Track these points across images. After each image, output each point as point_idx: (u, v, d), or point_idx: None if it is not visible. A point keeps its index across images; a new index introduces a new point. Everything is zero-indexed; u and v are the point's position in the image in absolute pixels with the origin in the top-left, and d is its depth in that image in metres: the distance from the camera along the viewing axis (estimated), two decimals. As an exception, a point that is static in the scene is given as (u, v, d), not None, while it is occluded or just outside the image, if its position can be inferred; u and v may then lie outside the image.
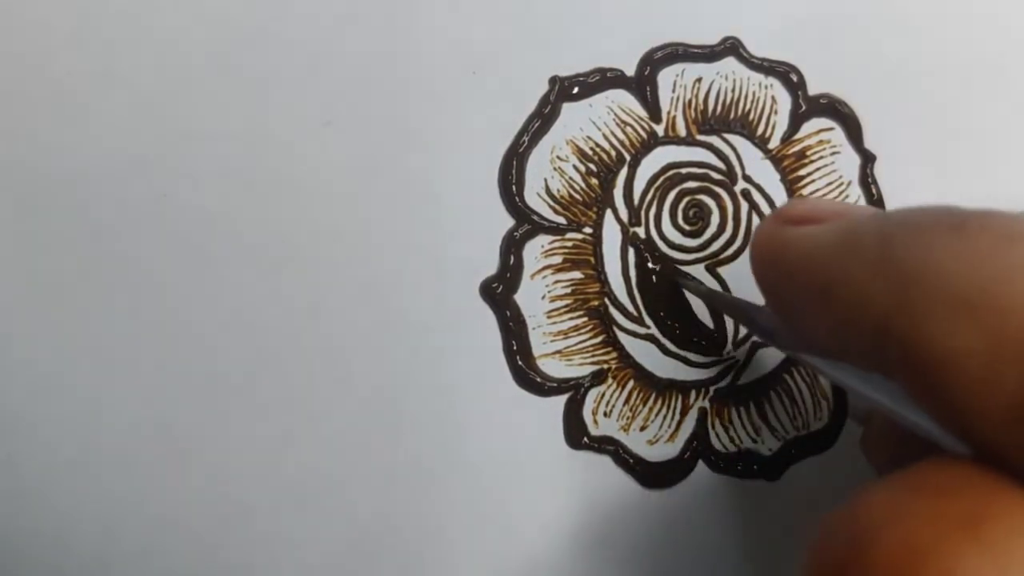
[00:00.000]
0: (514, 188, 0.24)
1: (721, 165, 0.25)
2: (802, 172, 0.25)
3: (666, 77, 0.25)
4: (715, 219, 0.24)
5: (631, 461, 0.23)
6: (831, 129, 0.25)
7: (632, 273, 0.24)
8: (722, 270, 0.24)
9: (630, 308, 0.24)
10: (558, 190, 0.24)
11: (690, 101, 0.25)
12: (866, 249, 0.14)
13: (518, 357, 0.23)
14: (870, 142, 0.25)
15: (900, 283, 0.13)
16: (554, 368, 0.24)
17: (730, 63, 0.25)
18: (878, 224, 0.14)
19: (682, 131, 0.25)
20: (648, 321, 0.24)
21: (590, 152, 0.24)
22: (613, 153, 0.24)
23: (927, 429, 0.13)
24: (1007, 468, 0.11)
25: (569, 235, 0.24)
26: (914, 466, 0.12)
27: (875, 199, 0.25)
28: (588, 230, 0.24)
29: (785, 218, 0.16)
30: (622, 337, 0.24)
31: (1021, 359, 0.11)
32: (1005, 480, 0.11)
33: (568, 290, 0.24)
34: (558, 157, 0.24)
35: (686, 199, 0.24)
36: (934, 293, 0.12)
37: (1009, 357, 0.11)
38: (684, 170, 0.24)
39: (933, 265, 0.12)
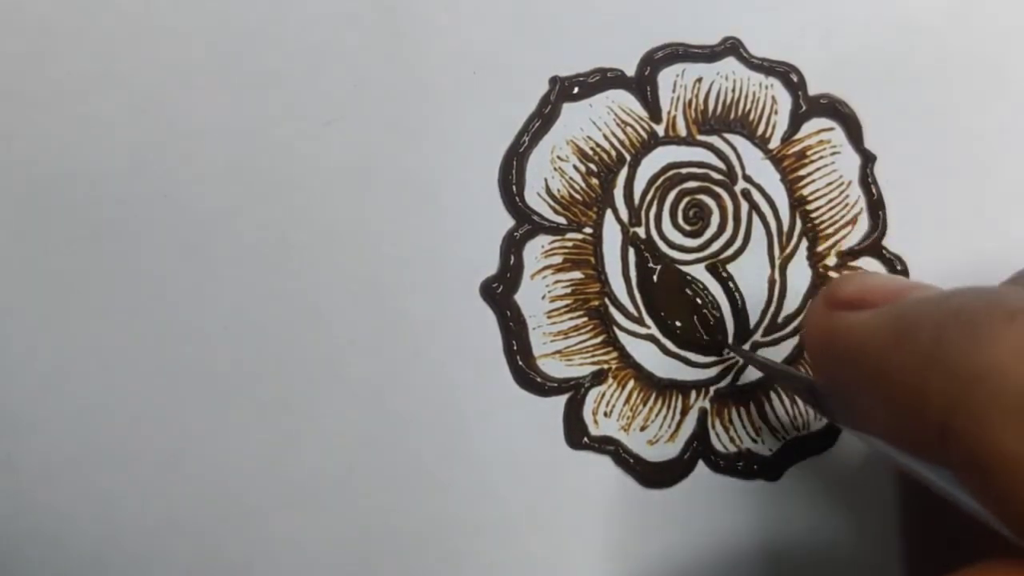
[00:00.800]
0: (514, 188, 0.24)
1: (721, 165, 0.25)
2: (802, 172, 0.25)
3: (666, 77, 0.25)
4: (715, 219, 0.24)
5: (631, 461, 0.23)
6: (831, 129, 0.25)
7: (632, 273, 0.24)
8: (722, 269, 0.24)
9: (630, 308, 0.24)
10: (558, 190, 0.24)
11: (690, 101, 0.25)
12: (920, 343, 0.13)
13: (518, 357, 0.23)
14: (870, 142, 0.25)
15: (958, 382, 0.12)
16: (554, 368, 0.24)
17: (730, 63, 0.25)
18: (930, 314, 0.14)
19: (682, 131, 0.25)
20: (648, 321, 0.24)
21: (590, 152, 0.24)
22: (613, 153, 0.24)
23: (991, 520, 0.13)
24: None
25: (569, 235, 0.24)
26: (983, 565, 0.13)
27: (875, 199, 0.25)
28: (588, 230, 0.24)
29: (834, 302, 0.16)
30: (622, 337, 0.24)
31: None
32: None
33: (568, 290, 0.24)
34: (558, 157, 0.24)
35: (686, 199, 0.24)
36: (994, 394, 0.12)
37: None
38: (684, 170, 0.24)
39: (990, 364, 0.12)
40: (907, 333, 0.14)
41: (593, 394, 0.24)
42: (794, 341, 0.24)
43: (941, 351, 0.13)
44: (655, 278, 0.24)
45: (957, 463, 0.13)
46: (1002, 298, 0.13)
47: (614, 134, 0.24)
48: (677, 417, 0.24)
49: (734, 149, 0.25)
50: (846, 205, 0.25)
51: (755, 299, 0.24)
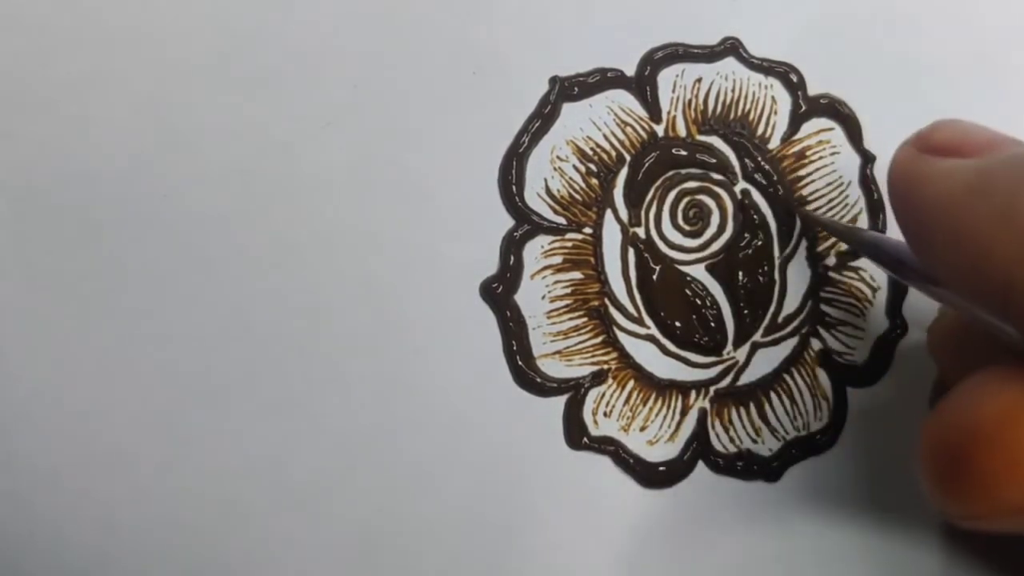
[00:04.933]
0: (514, 188, 0.24)
1: (721, 165, 0.25)
2: (802, 172, 0.25)
3: (666, 77, 0.25)
4: (715, 219, 0.24)
5: (631, 461, 0.24)
6: (831, 129, 0.25)
7: (632, 273, 0.24)
8: (722, 270, 0.24)
9: (630, 308, 0.24)
10: (558, 190, 0.24)
11: (690, 101, 0.25)
12: (995, 200, 0.13)
13: (518, 357, 0.23)
14: (870, 142, 0.25)
15: None
16: (554, 368, 0.24)
17: (730, 63, 0.25)
18: (1012, 171, 0.14)
19: (682, 131, 0.25)
20: (648, 321, 0.24)
21: (590, 152, 0.24)
22: (613, 153, 0.24)
23: None
24: None
25: (569, 235, 0.24)
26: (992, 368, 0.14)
27: (875, 199, 0.25)
28: (588, 230, 0.24)
29: (925, 145, 0.16)
30: (622, 337, 0.24)
31: None
32: None
33: (568, 290, 0.24)
34: (558, 157, 0.24)
35: (686, 199, 0.24)
36: None
37: None
38: (684, 170, 0.24)
39: None
40: (985, 188, 0.14)
41: (593, 394, 0.24)
42: (794, 341, 0.24)
43: (1013, 210, 0.13)
44: (655, 278, 0.24)
45: (1016, 317, 0.13)
46: None
47: (614, 134, 0.24)
48: (677, 417, 0.24)
49: (734, 149, 0.25)
50: (846, 205, 0.25)
51: (755, 299, 0.24)
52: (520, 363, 0.23)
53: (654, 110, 0.25)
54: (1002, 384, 0.14)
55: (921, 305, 0.24)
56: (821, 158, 0.25)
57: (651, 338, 0.24)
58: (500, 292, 0.24)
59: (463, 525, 0.23)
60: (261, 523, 0.23)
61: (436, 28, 0.24)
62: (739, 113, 0.25)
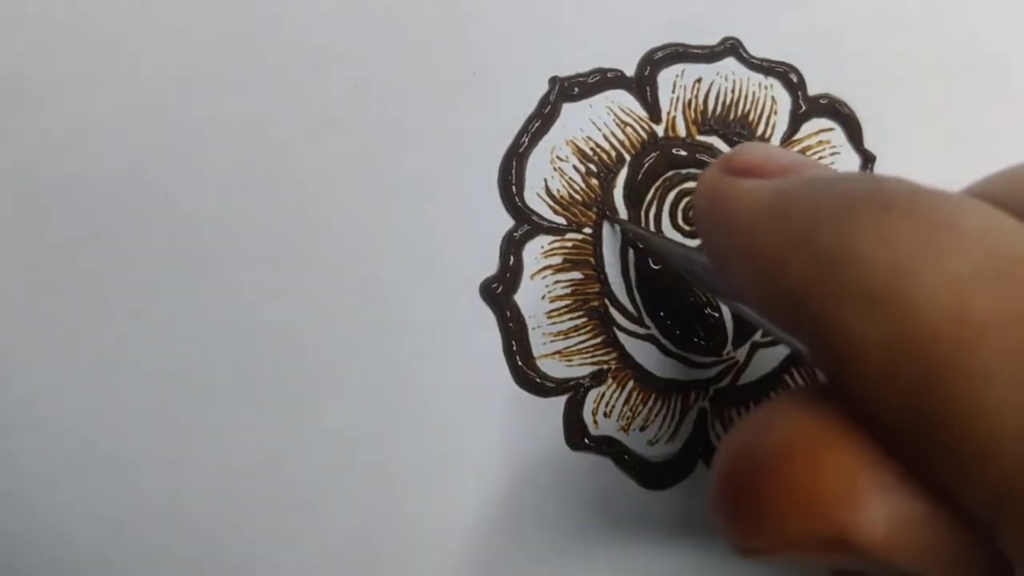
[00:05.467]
0: (514, 188, 0.24)
1: (721, 165, 0.25)
2: (802, 172, 0.25)
3: (666, 77, 0.25)
4: (715, 219, 0.24)
5: (631, 461, 0.24)
6: (831, 129, 0.25)
7: (632, 273, 0.24)
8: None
9: (630, 308, 0.24)
10: (558, 190, 0.24)
11: (690, 101, 0.25)
12: (792, 220, 0.13)
13: (518, 357, 0.23)
14: (870, 142, 0.25)
15: (818, 264, 0.13)
16: (554, 368, 0.24)
17: (730, 63, 0.25)
18: (811, 193, 0.14)
19: (682, 131, 0.25)
20: (648, 321, 0.24)
21: (590, 152, 0.24)
22: (613, 153, 0.24)
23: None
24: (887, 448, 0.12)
25: (569, 235, 0.24)
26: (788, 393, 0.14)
27: (875, 199, 0.25)
28: (588, 230, 0.24)
29: (730, 167, 0.16)
30: (622, 337, 0.24)
31: (915, 355, 0.11)
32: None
33: (568, 290, 0.24)
34: (558, 157, 0.24)
35: (686, 199, 0.24)
36: (848, 281, 0.12)
37: (911, 350, 0.11)
38: (684, 170, 0.24)
39: (851, 250, 0.12)
40: (785, 208, 0.14)
41: (593, 394, 0.24)
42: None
43: (811, 230, 0.13)
44: (655, 278, 0.24)
45: (808, 340, 0.13)
46: (883, 189, 0.13)
47: (614, 134, 0.24)
48: (677, 417, 0.24)
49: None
50: (846, 205, 0.25)
51: (755, 299, 0.24)
52: (520, 363, 0.23)
53: (654, 110, 0.25)
54: (790, 410, 0.13)
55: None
56: (821, 158, 0.25)
57: (651, 338, 0.24)
58: (500, 292, 0.24)
59: (463, 525, 0.23)
60: (261, 523, 0.23)
61: (436, 28, 0.24)
62: (739, 113, 0.25)
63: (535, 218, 0.24)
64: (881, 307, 0.11)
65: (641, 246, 0.24)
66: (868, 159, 0.25)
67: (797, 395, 0.14)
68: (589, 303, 0.24)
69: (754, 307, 0.15)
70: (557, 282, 0.24)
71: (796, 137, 0.25)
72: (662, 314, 0.24)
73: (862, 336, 0.12)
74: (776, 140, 0.25)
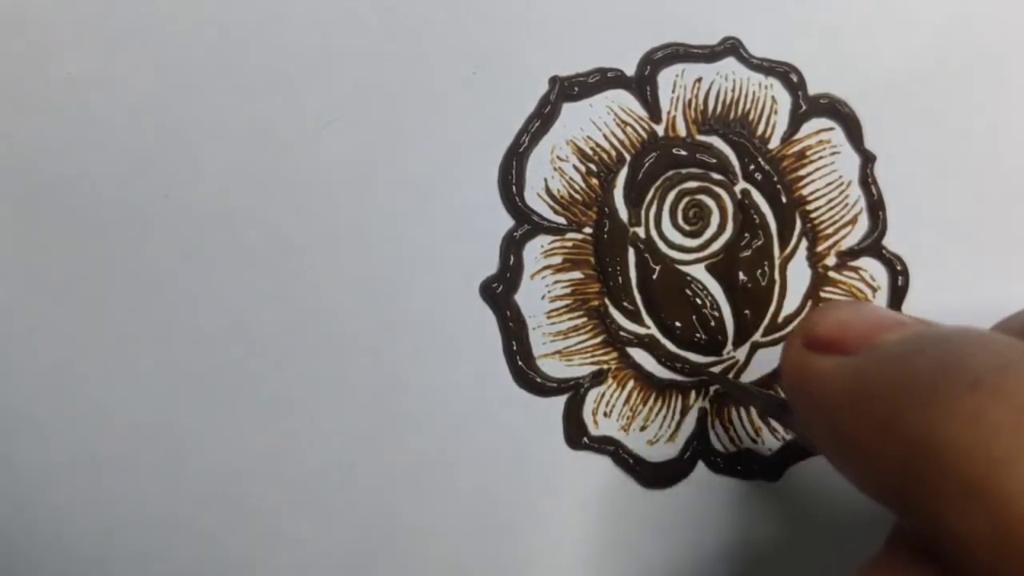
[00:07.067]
0: (514, 188, 0.24)
1: (721, 165, 0.25)
2: (802, 172, 0.25)
3: (666, 77, 0.25)
4: (715, 219, 0.24)
5: (631, 461, 0.23)
6: (831, 129, 0.25)
7: (632, 273, 0.24)
8: (721, 271, 0.24)
9: (630, 308, 0.24)
10: (558, 190, 0.24)
11: (690, 101, 0.25)
12: (877, 409, 0.13)
13: (518, 357, 0.23)
14: (870, 142, 0.25)
15: (909, 454, 0.12)
16: (554, 368, 0.24)
17: (730, 63, 0.25)
18: (890, 376, 0.13)
19: (682, 131, 0.25)
20: (648, 321, 0.24)
21: (590, 152, 0.24)
22: (613, 153, 0.24)
23: None
24: None
25: (569, 235, 0.24)
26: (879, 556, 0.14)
27: (875, 199, 0.25)
28: (588, 230, 0.24)
29: (810, 339, 0.16)
30: (622, 337, 0.24)
31: (1018, 551, 0.11)
32: None
33: (568, 290, 0.24)
34: (558, 157, 0.24)
35: (686, 199, 0.24)
36: (943, 472, 0.12)
37: (1011, 548, 0.11)
38: (684, 170, 0.24)
39: (945, 437, 0.12)
40: (866, 396, 0.13)
41: (593, 394, 0.24)
42: (794, 341, 0.24)
43: (899, 419, 0.12)
44: (655, 278, 0.24)
45: (914, 525, 0.13)
46: (965, 362, 0.12)
47: (614, 134, 0.24)
48: (677, 417, 0.24)
49: (734, 149, 0.25)
50: (846, 205, 0.25)
51: (755, 299, 0.24)
52: (520, 363, 0.23)
53: (654, 110, 0.25)
54: None
55: (921, 306, 0.24)
56: (821, 158, 0.25)
57: (651, 338, 0.24)
58: (500, 292, 0.24)
59: (463, 525, 0.23)
60: (261, 523, 0.23)
61: (436, 28, 0.24)
62: (739, 113, 0.25)
63: (535, 218, 0.24)
64: (979, 501, 0.11)
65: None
66: (868, 159, 0.25)
67: (898, 564, 0.13)
68: (589, 303, 0.24)
69: (854, 485, 0.15)
70: (557, 282, 0.24)
71: (796, 137, 0.25)
72: (662, 314, 0.24)
73: (965, 531, 0.11)
74: (776, 140, 0.25)
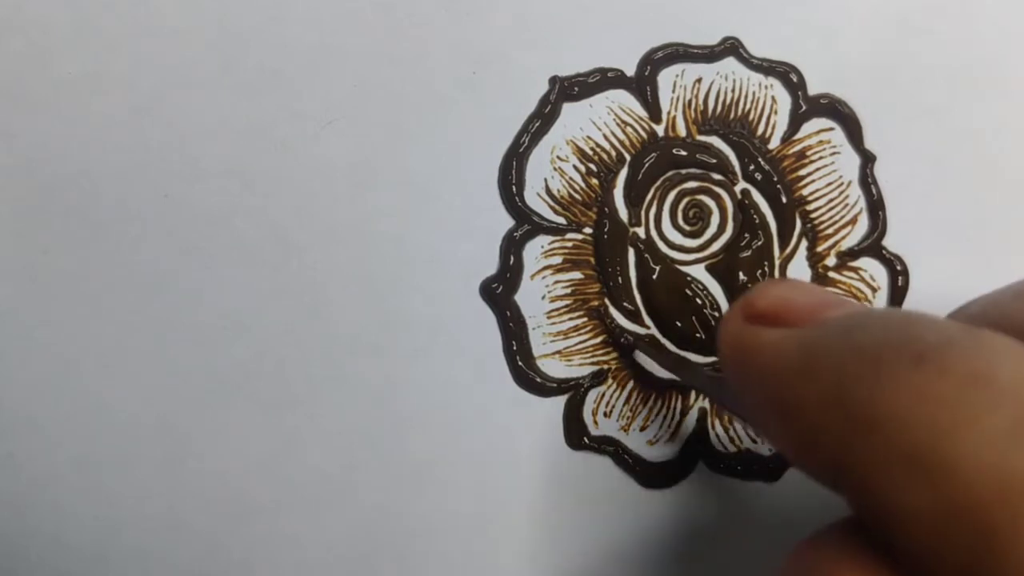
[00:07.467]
0: (514, 188, 0.24)
1: (721, 165, 0.25)
2: (802, 172, 0.25)
3: (666, 77, 0.25)
4: (715, 219, 0.24)
5: (631, 461, 0.24)
6: (831, 129, 0.25)
7: (632, 273, 0.24)
8: (722, 271, 0.24)
9: (630, 308, 0.24)
10: (558, 190, 0.24)
11: (690, 101, 0.25)
12: (821, 381, 0.13)
13: (518, 357, 0.23)
14: (870, 142, 0.25)
15: (853, 426, 0.12)
16: (554, 368, 0.24)
17: (730, 63, 0.25)
18: (835, 349, 0.13)
19: (682, 131, 0.25)
20: (648, 321, 0.24)
21: (590, 152, 0.24)
22: (613, 153, 0.24)
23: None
24: None
25: (569, 235, 0.24)
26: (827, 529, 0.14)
27: (875, 199, 0.25)
28: (588, 230, 0.24)
29: (751, 313, 0.15)
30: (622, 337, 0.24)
31: (962, 523, 0.11)
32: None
33: (568, 290, 0.24)
34: (558, 157, 0.24)
35: (686, 199, 0.24)
36: (885, 445, 0.12)
37: (953, 519, 0.11)
38: (684, 170, 0.24)
39: (885, 411, 0.12)
40: (810, 368, 0.13)
41: (593, 394, 0.24)
42: (794, 341, 0.24)
43: (842, 391, 0.12)
44: (655, 278, 0.24)
45: (849, 501, 0.13)
46: (912, 336, 0.12)
47: (614, 134, 0.24)
48: (677, 417, 0.24)
49: (734, 149, 0.25)
50: (846, 205, 0.25)
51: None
52: (520, 363, 0.23)
53: (654, 110, 0.25)
54: (829, 563, 0.13)
55: (921, 306, 0.24)
56: (821, 158, 0.25)
57: (651, 338, 0.24)
58: (500, 292, 0.24)
59: (463, 525, 0.23)
60: (261, 522, 0.23)
61: (436, 28, 0.24)
62: (739, 113, 0.25)
63: (535, 218, 0.24)
64: (922, 473, 0.11)
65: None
66: (868, 159, 0.25)
67: (835, 542, 0.13)
68: (589, 303, 0.24)
69: (791, 462, 0.15)
70: (557, 282, 0.24)
71: (796, 137, 0.25)
72: (662, 314, 0.24)
73: (906, 504, 0.11)
74: (776, 140, 0.25)
